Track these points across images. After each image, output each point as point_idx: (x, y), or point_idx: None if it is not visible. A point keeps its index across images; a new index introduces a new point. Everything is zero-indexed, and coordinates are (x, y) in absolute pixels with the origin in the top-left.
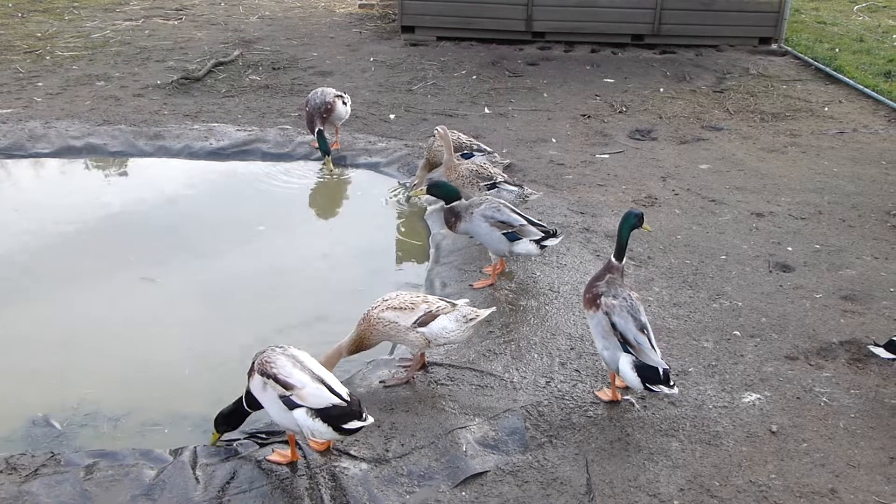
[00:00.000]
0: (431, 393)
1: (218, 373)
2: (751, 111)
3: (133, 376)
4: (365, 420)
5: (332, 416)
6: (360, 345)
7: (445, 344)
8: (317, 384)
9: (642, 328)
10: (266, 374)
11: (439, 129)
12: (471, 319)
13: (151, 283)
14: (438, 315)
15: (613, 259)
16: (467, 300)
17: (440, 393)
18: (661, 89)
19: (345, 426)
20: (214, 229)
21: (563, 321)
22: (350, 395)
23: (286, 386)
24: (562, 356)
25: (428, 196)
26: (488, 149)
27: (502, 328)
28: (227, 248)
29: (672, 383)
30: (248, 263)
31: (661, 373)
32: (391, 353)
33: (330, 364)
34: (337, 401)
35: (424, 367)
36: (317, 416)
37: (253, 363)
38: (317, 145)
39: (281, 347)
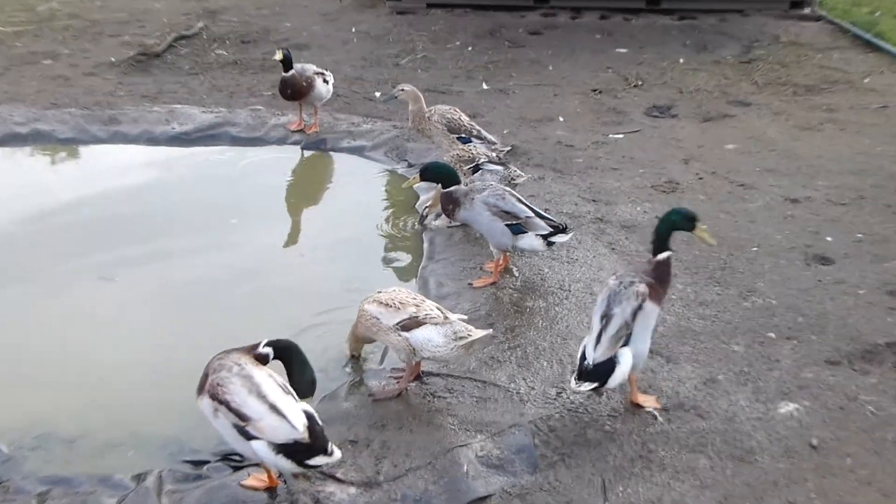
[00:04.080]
0: (427, 407)
1: (186, 387)
2: (782, 84)
3: (90, 391)
4: (331, 455)
5: (295, 452)
6: (355, 335)
7: (431, 359)
8: (275, 416)
9: (605, 318)
10: (217, 400)
11: (405, 88)
12: (461, 338)
13: (110, 283)
14: (425, 323)
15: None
16: (465, 316)
17: (437, 407)
18: (681, 60)
19: (310, 462)
20: (180, 223)
21: (575, 323)
22: (313, 429)
23: (240, 416)
24: (574, 363)
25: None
26: (491, 137)
27: (506, 332)
28: (195, 245)
29: (580, 378)
30: (218, 261)
31: (580, 364)
32: (381, 362)
33: (352, 337)
34: (299, 435)
35: (419, 377)
36: (279, 452)
37: (206, 375)
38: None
39: (238, 366)
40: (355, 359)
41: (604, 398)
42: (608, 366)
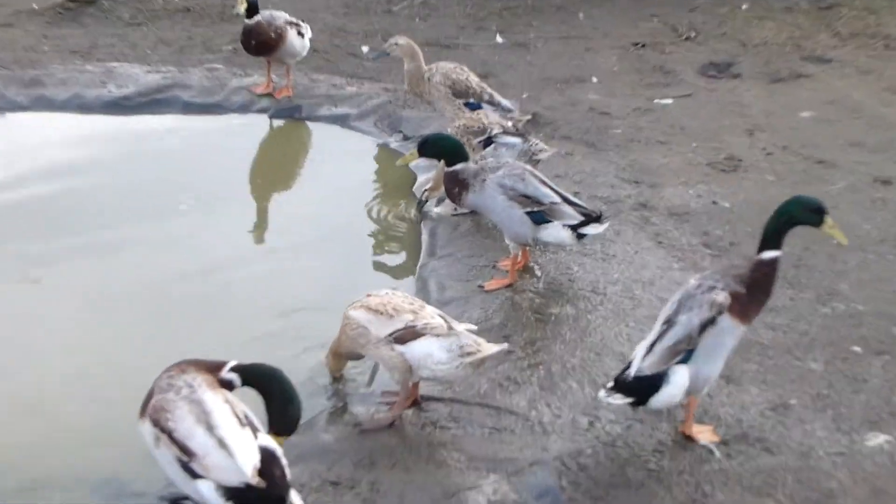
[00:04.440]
0: (427, 439)
1: (127, 413)
2: (870, 35)
3: (8, 417)
4: None
5: (247, 498)
6: (338, 349)
7: (432, 378)
8: (221, 452)
9: (668, 324)
10: (160, 427)
11: (400, 41)
12: (468, 353)
13: (34, 285)
14: (424, 334)
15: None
16: (474, 326)
17: (440, 439)
18: (744, 6)
19: None
20: (119, 211)
21: (611, 336)
22: (269, 472)
23: (184, 450)
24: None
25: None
26: (505, 102)
27: (526, 346)
28: (137, 237)
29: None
30: (167, 258)
31: (620, 372)
32: (369, 383)
33: (333, 353)
34: (247, 478)
35: (417, 402)
36: (228, 497)
37: (150, 394)
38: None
39: (189, 387)
40: (337, 380)
41: (647, 428)
42: (654, 382)
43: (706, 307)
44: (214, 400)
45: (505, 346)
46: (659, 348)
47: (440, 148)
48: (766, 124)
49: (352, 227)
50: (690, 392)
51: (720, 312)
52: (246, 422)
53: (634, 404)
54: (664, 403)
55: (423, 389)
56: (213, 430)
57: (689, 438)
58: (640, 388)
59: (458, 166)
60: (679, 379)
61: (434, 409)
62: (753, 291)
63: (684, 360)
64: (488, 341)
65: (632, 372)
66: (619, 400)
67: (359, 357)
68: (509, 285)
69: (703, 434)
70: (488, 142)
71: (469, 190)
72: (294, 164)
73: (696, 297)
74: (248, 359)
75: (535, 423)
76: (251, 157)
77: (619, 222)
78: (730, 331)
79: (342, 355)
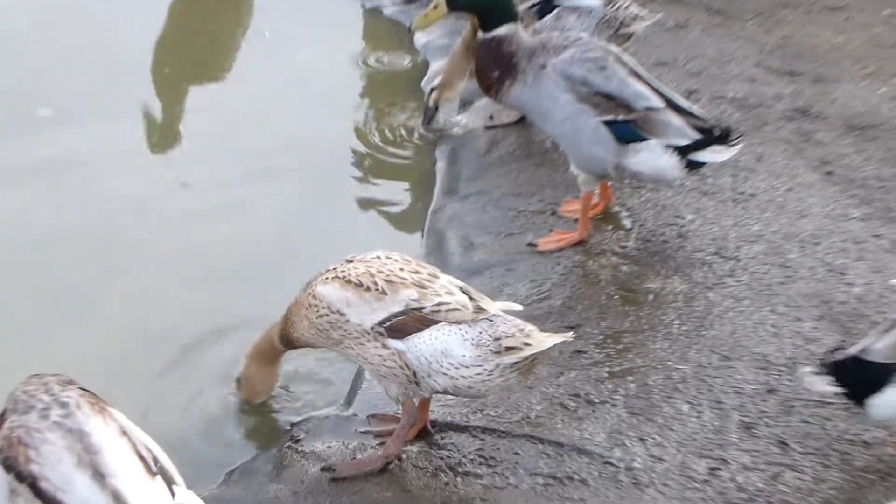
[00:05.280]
0: (442, 494)
1: None
2: None
3: None
4: None
5: None
6: (285, 334)
7: (449, 391)
8: None
9: None
10: (17, 472)
11: None
12: (508, 349)
13: None
14: (436, 320)
15: None
16: (518, 306)
17: (464, 494)
18: None
19: None
20: None
21: (748, 326)
22: None
23: None
24: (745, 408)
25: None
26: None
27: (604, 342)
28: None
29: None
30: (11, 197)
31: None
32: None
33: (259, 359)
34: None
35: (425, 431)
36: None
37: (1, 416)
38: None
39: (63, 408)
40: (260, 406)
41: (805, 479)
42: (882, 373)
43: None
44: (105, 430)
45: (570, 336)
46: None
47: None
48: None
49: (321, 148)
50: None
51: None
52: (152, 465)
53: (848, 398)
54: (891, 414)
55: (437, 412)
56: (105, 480)
57: None
58: (859, 377)
59: (503, 30)
60: None
61: (454, 443)
62: None
63: None
64: (541, 330)
65: (852, 351)
66: (826, 386)
67: (305, 344)
68: (578, 243)
69: None
70: (548, 7)
71: (517, 77)
72: (225, 41)
73: None
74: (139, 361)
75: (620, 468)
76: (152, 30)
77: (762, 141)
78: None
79: (272, 353)
